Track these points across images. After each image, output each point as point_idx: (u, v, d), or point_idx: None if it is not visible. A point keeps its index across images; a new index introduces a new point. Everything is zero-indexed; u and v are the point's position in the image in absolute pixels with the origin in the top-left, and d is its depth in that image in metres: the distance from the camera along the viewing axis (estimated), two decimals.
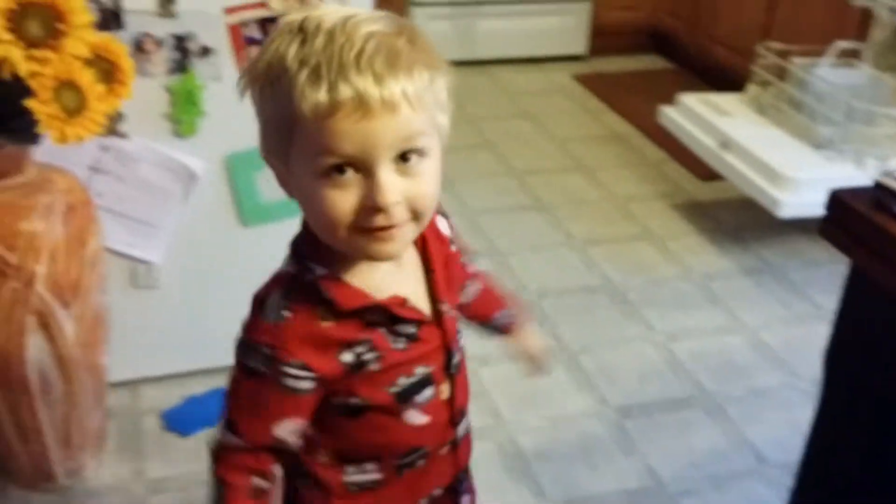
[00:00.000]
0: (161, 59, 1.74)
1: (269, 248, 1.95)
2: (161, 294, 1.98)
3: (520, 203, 3.05)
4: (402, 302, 0.97)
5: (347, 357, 0.95)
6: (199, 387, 2.09)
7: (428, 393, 1.02)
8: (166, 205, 1.88)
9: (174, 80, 1.77)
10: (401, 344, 0.98)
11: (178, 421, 2.00)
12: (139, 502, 1.83)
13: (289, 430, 0.98)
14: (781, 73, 2.87)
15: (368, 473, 1.05)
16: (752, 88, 2.98)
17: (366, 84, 0.81)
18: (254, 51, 1.77)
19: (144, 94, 1.75)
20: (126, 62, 1.48)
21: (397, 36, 0.85)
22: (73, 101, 1.38)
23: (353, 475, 1.05)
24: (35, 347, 1.59)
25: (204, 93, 1.79)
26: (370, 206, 0.85)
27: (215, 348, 2.10)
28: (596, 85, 4.08)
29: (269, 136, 0.91)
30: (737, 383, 2.26)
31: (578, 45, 4.32)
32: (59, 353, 1.62)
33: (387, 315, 0.96)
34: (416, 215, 0.89)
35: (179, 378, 2.11)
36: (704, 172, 3.18)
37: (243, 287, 2.16)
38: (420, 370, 1.01)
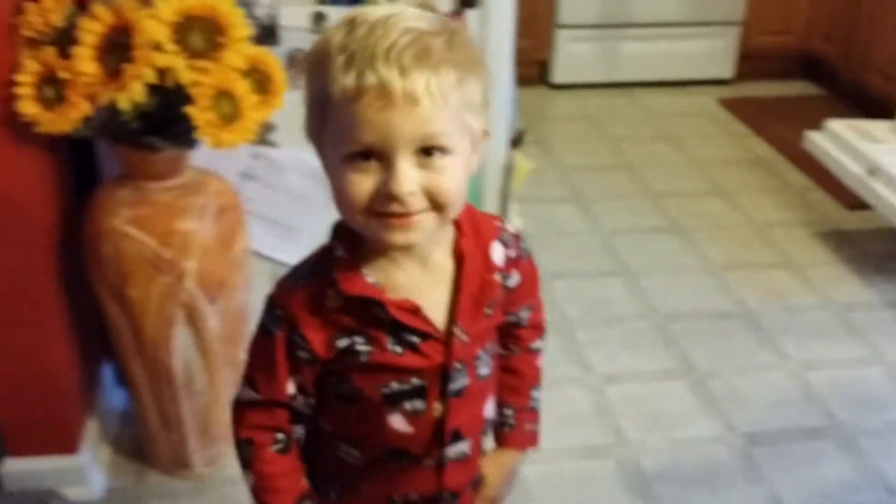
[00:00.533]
0: None
1: None
2: None
3: (655, 225, 3.03)
4: (414, 309, 0.97)
5: (342, 342, 0.98)
6: None
7: (417, 405, 1.01)
8: (310, 211, 1.98)
9: None
10: (398, 348, 0.98)
11: None
12: None
13: (296, 391, 1.02)
14: None
15: (353, 457, 1.07)
16: None
17: (390, 75, 0.84)
18: None
19: (294, 105, 1.84)
20: (279, 74, 1.58)
21: (436, 35, 0.87)
22: (229, 109, 1.49)
23: (344, 453, 1.08)
24: (182, 339, 1.70)
25: None
26: (385, 193, 0.87)
27: None
28: (741, 109, 4.00)
29: (309, 118, 0.95)
30: (872, 416, 2.17)
31: (725, 68, 4.25)
32: (204, 346, 1.73)
33: (388, 316, 0.97)
34: (436, 206, 0.90)
35: None
36: (850, 201, 3.07)
37: None
38: (415, 381, 1.00)
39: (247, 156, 1.90)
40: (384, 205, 0.89)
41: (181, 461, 1.90)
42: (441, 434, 1.04)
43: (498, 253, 1.04)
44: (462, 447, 1.07)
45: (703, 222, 3.06)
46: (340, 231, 1.00)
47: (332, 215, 2.11)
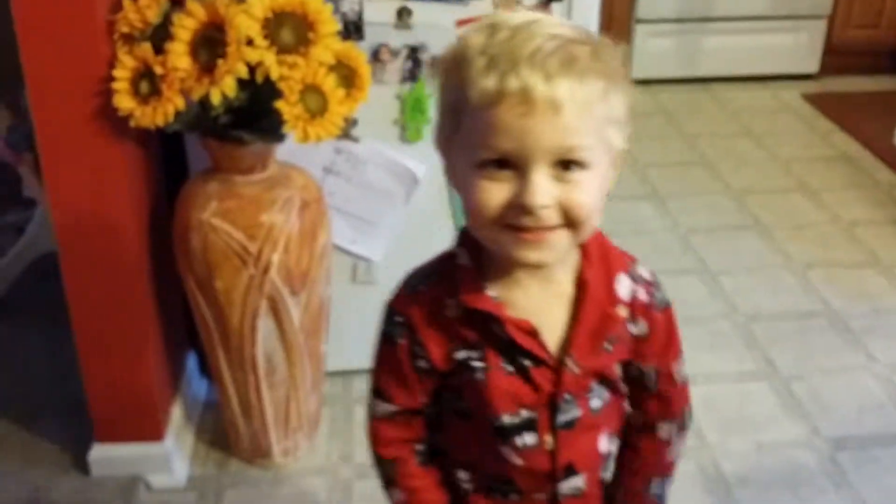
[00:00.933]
0: (395, 68, 1.85)
1: None
2: (378, 290, 2.05)
3: (735, 222, 2.97)
4: (532, 331, 0.94)
5: (460, 355, 0.96)
6: None
7: (529, 440, 0.99)
8: (389, 206, 1.99)
9: (405, 88, 1.87)
10: (511, 368, 0.96)
11: None
12: (346, 485, 1.94)
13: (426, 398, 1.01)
14: None
15: (464, 480, 1.05)
16: None
17: (534, 79, 0.80)
18: None
19: (377, 100, 1.86)
20: (364, 69, 1.59)
21: (581, 44, 0.84)
22: (316, 103, 1.50)
23: (456, 475, 1.06)
24: (265, 330, 1.73)
25: (432, 101, 1.88)
26: (518, 205, 0.84)
27: None
28: (827, 105, 3.89)
29: (441, 124, 0.92)
30: None
31: (810, 63, 4.14)
32: (286, 338, 1.75)
33: (506, 334, 0.94)
34: (570, 223, 0.86)
35: None
36: None
37: None
38: (525, 413, 0.97)
39: (330, 151, 1.92)
40: (516, 217, 0.85)
41: (261, 451, 1.93)
42: (554, 468, 1.01)
43: (624, 286, 0.99)
44: (576, 482, 1.03)
45: (785, 220, 2.98)
46: (465, 238, 0.97)
47: (408, 211, 2.12)
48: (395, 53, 1.83)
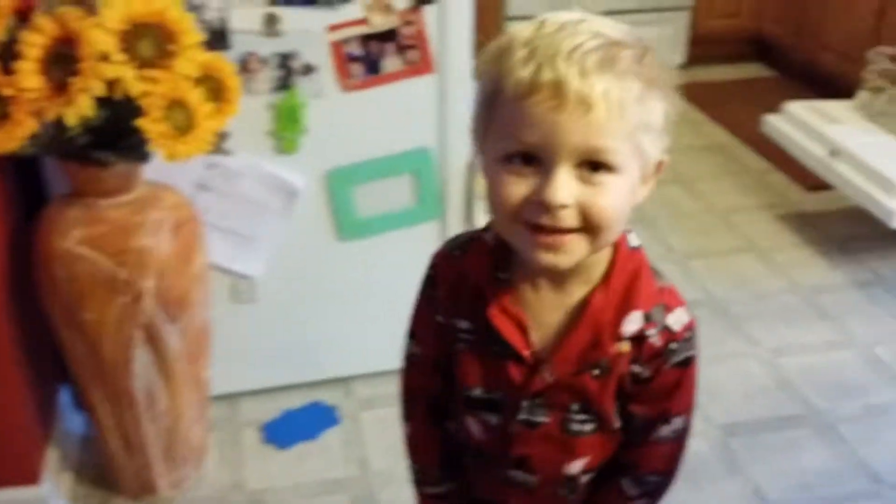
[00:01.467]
0: (265, 77, 1.77)
1: (366, 262, 2.02)
2: (260, 308, 2.01)
3: None
4: (522, 325, 0.93)
5: (457, 323, 0.99)
6: (297, 400, 2.11)
7: (492, 419, 1.00)
8: (267, 220, 1.91)
9: (278, 97, 1.80)
10: (492, 352, 0.96)
11: (277, 434, 2.02)
12: None
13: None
14: (894, 79, 2.75)
15: (449, 430, 1.10)
16: (862, 95, 2.87)
17: (569, 74, 0.79)
18: (355, 67, 1.79)
19: (249, 111, 1.78)
20: (233, 81, 1.51)
21: (626, 46, 0.82)
22: (182, 119, 1.42)
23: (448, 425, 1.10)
24: (142, 361, 1.63)
25: (306, 110, 1.82)
26: (537, 201, 0.82)
27: (313, 362, 2.15)
28: (695, 95, 3.98)
29: (476, 115, 0.90)
30: (849, 401, 2.17)
31: (676, 54, 4.23)
32: (165, 368, 1.66)
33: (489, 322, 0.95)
34: (589, 227, 0.83)
35: (278, 391, 2.14)
36: (811, 182, 3.07)
37: (340, 301, 2.19)
38: (498, 395, 0.98)
39: (201, 166, 1.82)
40: (534, 214, 0.83)
41: (147, 486, 1.83)
42: (507, 453, 1.01)
43: (633, 324, 0.92)
44: (528, 478, 1.02)
45: (664, 211, 3.04)
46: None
47: (288, 224, 2.04)
48: (264, 62, 1.75)
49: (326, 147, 1.87)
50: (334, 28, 1.75)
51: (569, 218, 0.83)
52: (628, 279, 0.93)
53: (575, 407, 0.97)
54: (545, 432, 0.98)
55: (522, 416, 0.97)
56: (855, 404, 2.16)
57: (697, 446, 2.01)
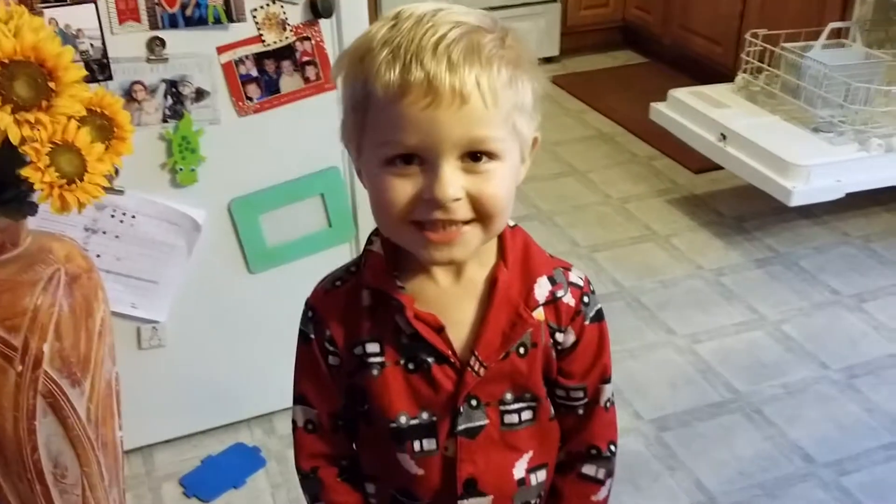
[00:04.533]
0: (154, 106, 1.63)
1: (279, 292, 1.90)
2: (168, 353, 1.87)
3: (518, 213, 2.94)
4: (438, 327, 0.90)
5: (358, 350, 0.92)
6: (217, 445, 1.98)
7: (427, 445, 0.94)
8: (169, 259, 1.77)
9: (169, 127, 1.66)
10: (411, 365, 0.91)
11: (199, 485, 1.89)
12: None
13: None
14: (768, 60, 2.82)
15: (370, 493, 1.02)
16: (740, 77, 2.93)
17: (438, 69, 0.77)
18: (251, 89, 1.67)
19: (139, 144, 1.63)
20: (123, 116, 1.36)
21: (487, 31, 0.81)
22: (71, 164, 1.27)
23: (365, 487, 1.02)
24: (46, 432, 1.47)
25: (202, 138, 1.69)
26: (428, 199, 0.80)
27: (230, 403, 2.02)
28: (573, 85, 4.01)
29: (346, 122, 0.86)
30: (769, 381, 2.19)
31: (551, 46, 4.26)
32: (72, 435, 1.50)
33: (408, 325, 0.89)
34: (481, 216, 0.82)
35: (195, 438, 2.00)
36: (697, 164, 3.13)
37: (255, 335, 2.06)
38: (425, 416, 0.93)
39: (89, 208, 1.66)
40: (426, 212, 0.81)
41: None
42: (454, 481, 0.94)
43: (543, 289, 0.92)
44: (482, 503, 0.96)
45: (563, 205, 3.03)
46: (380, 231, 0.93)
47: (192, 261, 1.91)
48: (151, 90, 1.62)
49: (227, 176, 1.74)
50: (225, 49, 1.63)
51: (461, 210, 0.81)
52: (521, 252, 0.93)
53: (508, 396, 0.94)
54: (486, 436, 0.94)
55: (462, 425, 0.93)
56: (774, 384, 2.18)
57: (633, 445, 2.00)
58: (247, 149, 1.72)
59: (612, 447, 1.02)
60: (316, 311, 0.95)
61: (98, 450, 1.58)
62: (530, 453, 0.98)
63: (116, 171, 1.63)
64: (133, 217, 1.71)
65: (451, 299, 0.91)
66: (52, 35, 1.29)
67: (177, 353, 1.88)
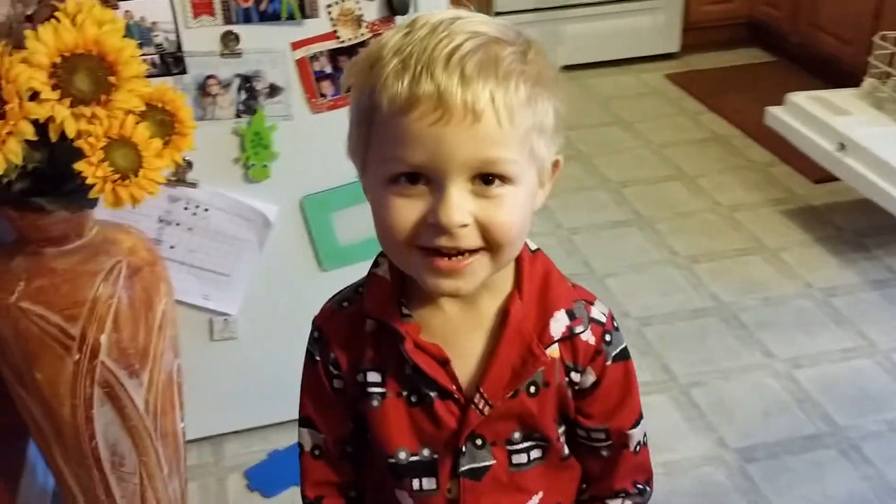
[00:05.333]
0: (228, 101, 1.62)
1: None
2: (240, 346, 1.87)
3: (617, 218, 2.85)
4: (443, 359, 0.84)
5: (361, 377, 0.87)
6: (284, 440, 1.97)
7: (427, 484, 0.88)
8: (241, 254, 1.77)
9: (243, 122, 1.65)
10: (414, 398, 0.85)
11: (262, 480, 1.89)
12: None
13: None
14: None
15: None
16: (867, 82, 2.72)
17: (449, 82, 0.71)
18: (325, 85, 1.64)
19: (212, 139, 1.65)
20: (185, 112, 1.36)
21: (507, 43, 0.75)
22: (126, 159, 1.26)
23: None
24: (103, 420, 1.49)
25: (275, 134, 1.67)
26: (432, 224, 0.74)
27: (297, 399, 2.00)
28: (692, 84, 3.84)
29: (351, 134, 0.81)
30: (872, 416, 2.03)
31: (671, 42, 4.09)
32: (130, 425, 1.52)
33: (410, 357, 0.84)
34: (491, 245, 0.76)
35: (264, 430, 2.00)
36: (818, 174, 2.92)
37: None
38: (426, 452, 0.87)
39: (164, 200, 1.68)
40: (430, 238, 0.75)
41: None
42: None
43: (559, 324, 0.85)
44: None
45: (666, 211, 2.89)
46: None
47: (264, 256, 1.89)
48: (225, 85, 1.61)
49: (299, 173, 1.72)
50: (299, 45, 1.60)
51: (469, 237, 0.75)
52: (540, 282, 0.86)
53: (517, 436, 0.88)
54: (493, 478, 0.88)
55: (466, 465, 0.87)
56: (877, 419, 2.02)
57: (714, 475, 1.88)
58: (319, 146, 1.68)
59: (640, 486, 0.95)
60: (322, 333, 0.91)
61: (157, 440, 1.59)
62: (540, 494, 0.91)
63: (190, 165, 1.65)
64: (206, 210, 1.71)
65: (459, 330, 0.85)
66: (120, 28, 1.29)
67: (248, 346, 1.88)
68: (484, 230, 0.75)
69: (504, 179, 0.75)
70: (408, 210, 0.75)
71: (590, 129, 3.47)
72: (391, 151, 0.74)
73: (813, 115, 2.65)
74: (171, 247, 1.72)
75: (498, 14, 3.81)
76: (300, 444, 0.96)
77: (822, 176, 2.89)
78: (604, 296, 2.43)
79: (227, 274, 1.78)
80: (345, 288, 0.93)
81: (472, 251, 0.76)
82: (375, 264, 0.89)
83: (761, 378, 2.15)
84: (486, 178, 0.74)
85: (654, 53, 4.07)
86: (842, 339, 2.28)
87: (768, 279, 2.54)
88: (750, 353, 2.24)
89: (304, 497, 0.97)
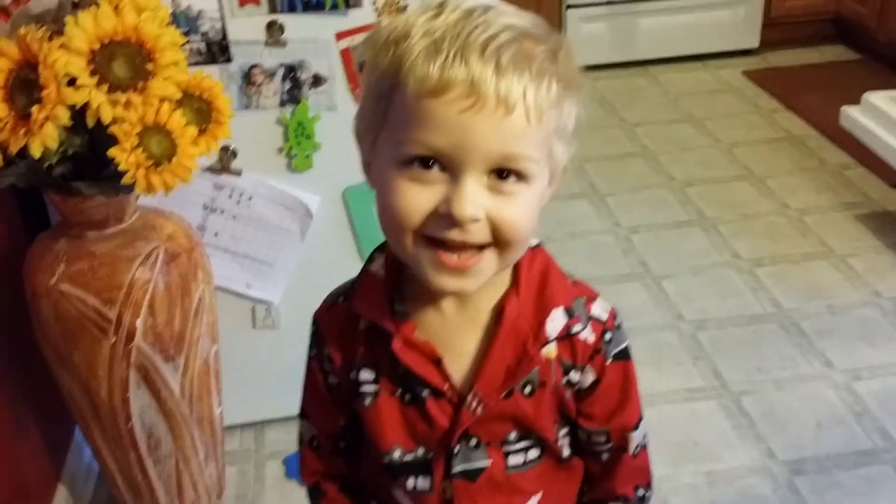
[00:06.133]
0: (272, 90, 1.63)
1: None
2: (281, 334, 1.88)
3: (678, 218, 2.78)
4: (435, 358, 0.82)
5: (354, 375, 0.86)
6: None
7: (421, 484, 0.87)
8: (283, 242, 1.78)
9: (286, 112, 1.66)
10: (408, 396, 0.84)
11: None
12: None
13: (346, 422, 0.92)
14: None
15: None
16: None
17: (485, 71, 0.69)
18: None
19: (256, 127, 1.66)
20: (223, 101, 1.37)
21: (539, 41, 0.73)
22: (160, 146, 1.28)
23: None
24: (140, 403, 1.51)
25: (318, 124, 1.67)
26: (444, 214, 0.72)
27: None
28: (770, 81, 3.72)
29: (365, 110, 0.78)
30: None
31: (750, 38, 3.97)
32: (165, 409, 1.54)
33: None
34: (499, 242, 0.74)
35: None
36: (894, 178, 2.80)
37: None
38: (421, 451, 0.86)
39: (209, 187, 1.70)
40: (439, 229, 0.73)
41: None
42: None
43: (556, 322, 0.83)
44: None
45: (731, 212, 2.80)
46: (388, 248, 0.85)
47: (306, 245, 1.89)
48: (269, 74, 1.61)
49: (342, 163, 1.70)
50: (343, 35, 1.60)
51: (479, 233, 0.73)
52: (538, 279, 0.84)
53: (513, 436, 0.86)
54: (489, 479, 0.86)
55: (459, 466, 0.85)
56: None
57: (759, 487, 1.81)
58: None
59: (641, 491, 0.93)
60: (318, 328, 0.90)
61: (192, 425, 1.61)
62: (539, 495, 0.89)
63: (235, 154, 1.66)
64: (249, 199, 1.72)
65: (453, 327, 0.83)
66: (160, 16, 1.31)
67: (289, 334, 1.89)
68: (494, 227, 0.73)
69: (520, 177, 0.73)
70: (419, 197, 0.72)
71: (658, 126, 3.40)
72: (411, 133, 0.72)
73: (890, 116, 2.53)
74: (216, 234, 1.74)
75: (569, 7, 3.76)
76: (300, 434, 0.97)
77: None
78: (658, 298, 2.39)
79: (269, 262, 1.80)
80: (345, 282, 0.92)
81: (479, 247, 0.74)
82: (370, 260, 0.87)
83: (817, 388, 2.07)
84: (501, 172, 0.72)
85: (732, 49, 3.96)
86: None
87: (834, 286, 2.44)
88: (808, 363, 2.16)
89: (305, 482, 0.99)
